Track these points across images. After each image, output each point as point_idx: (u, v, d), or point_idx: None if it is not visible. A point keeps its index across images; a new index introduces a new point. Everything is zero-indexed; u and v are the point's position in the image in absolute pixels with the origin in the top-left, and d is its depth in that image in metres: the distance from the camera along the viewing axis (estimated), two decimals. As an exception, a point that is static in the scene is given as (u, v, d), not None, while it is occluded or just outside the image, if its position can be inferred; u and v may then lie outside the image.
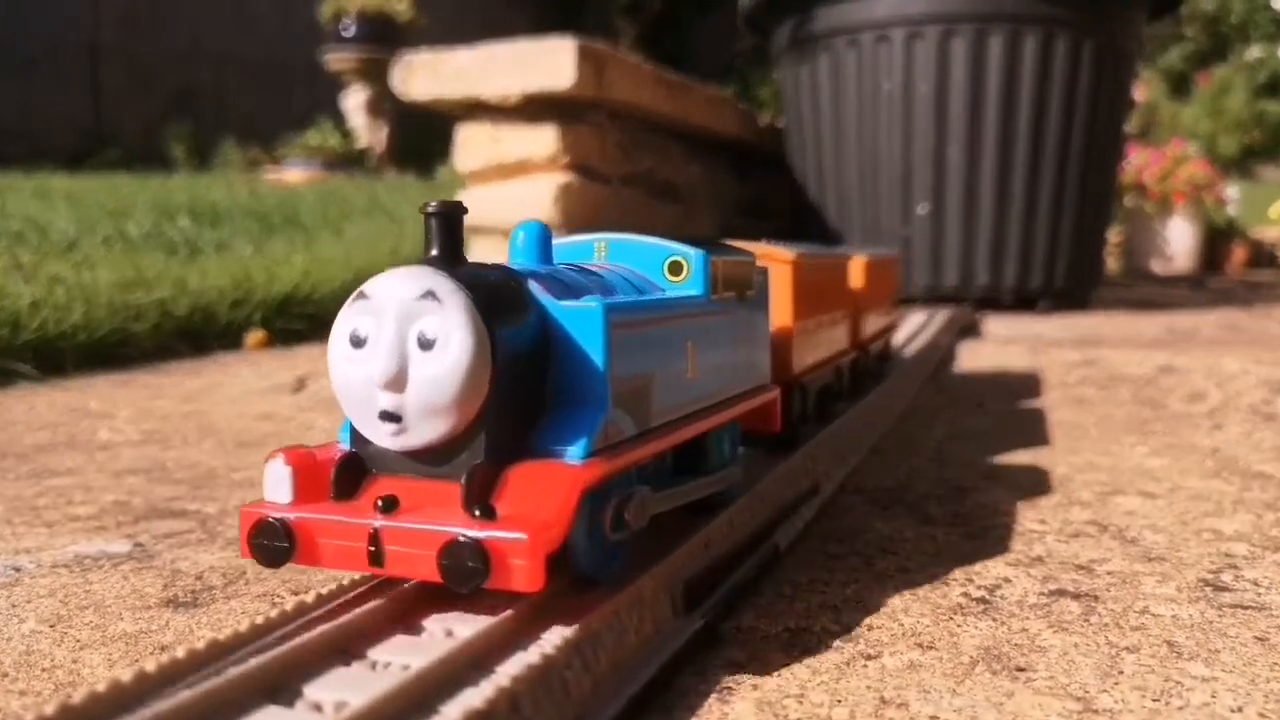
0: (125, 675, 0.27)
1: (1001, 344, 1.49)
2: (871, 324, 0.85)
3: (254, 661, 0.29)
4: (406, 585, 0.34)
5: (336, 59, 4.17)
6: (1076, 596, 0.44)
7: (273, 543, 0.33)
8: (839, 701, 0.34)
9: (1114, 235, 3.46)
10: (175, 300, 1.36)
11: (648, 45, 4.62)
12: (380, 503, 0.32)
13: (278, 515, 0.33)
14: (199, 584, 0.46)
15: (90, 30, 4.49)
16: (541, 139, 1.57)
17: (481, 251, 1.53)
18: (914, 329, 1.32)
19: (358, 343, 0.33)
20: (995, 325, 1.75)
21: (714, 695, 0.35)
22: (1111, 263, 3.44)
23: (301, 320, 1.50)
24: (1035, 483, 0.66)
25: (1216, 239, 3.97)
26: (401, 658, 0.31)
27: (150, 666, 0.28)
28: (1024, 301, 1.97)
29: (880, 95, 1.92)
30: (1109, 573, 0.48)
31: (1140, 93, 3.90)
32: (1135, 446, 0.77)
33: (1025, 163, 1.89)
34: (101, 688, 0.26)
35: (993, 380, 1.14)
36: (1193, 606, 0.43)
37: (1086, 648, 0.39)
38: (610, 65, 1.58)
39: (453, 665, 0.30)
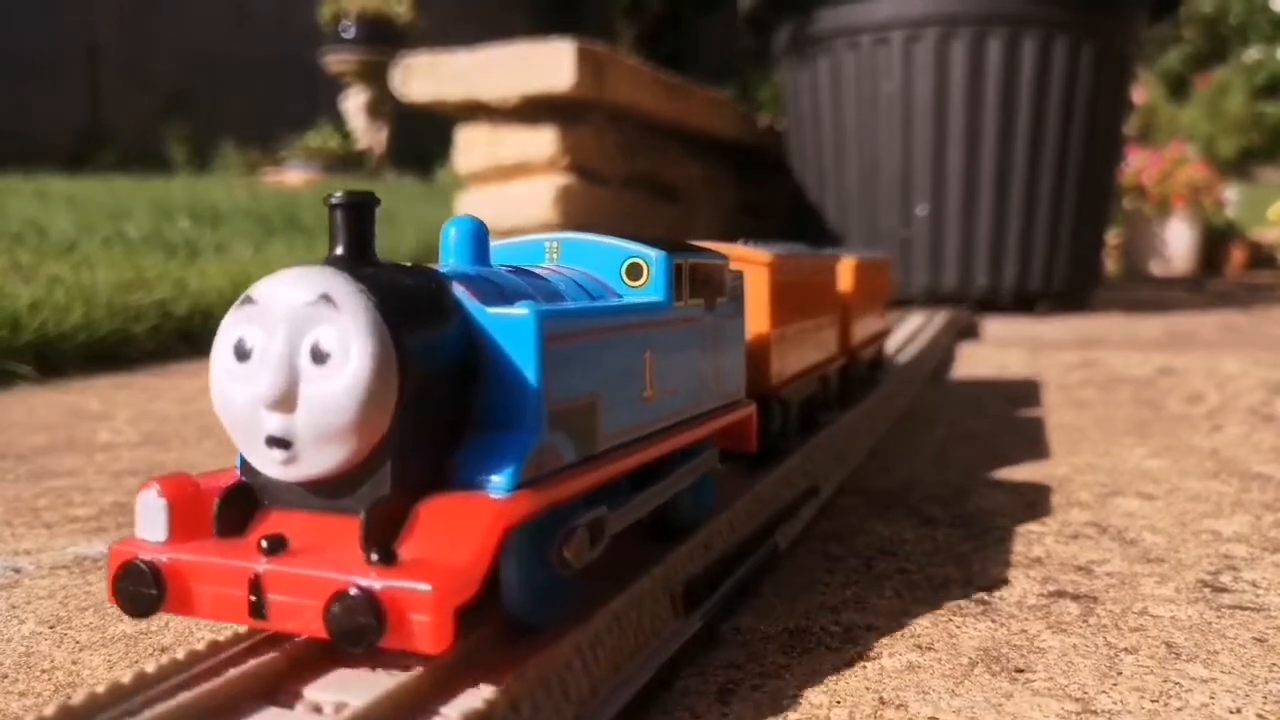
0: (125, 677, 0.27)
1: (1000, 345, 1.49)
2: (862, 329, 0.82)
3: (254, 662, 0.29)
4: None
5: (336, 60, 4.17)
6: (1076, 597, 0.44)
7: (138, 589, 0.28)
8: (838, 702, 0.34)
9: (1113, 237, 3.47)
10: (175, 301, 1.36)
11: (647, 46, 4.62)
12: (265, 543, 0.27)
13: (147, 557, 0.28)
14: (199, 585, 0.46)
15: (88, 31, 4.49)
16: (541, 140, 1.57)
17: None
18: (912, 330, 1.32)
19: (243, 355, 0.28)
20: (994, 327, 1.75)
21: (714, 695, 0.35)
22: (1110, 264, 3.45)
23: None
24: (1034, 484, 0.66)
25: (1215, 241, 3.97)
26: (401, 657, 0.30)
27: (150, 668, 0.28)
28: (1023, 303, 1.97)
29: (880, 97, 1.93)
30: (1108, 574, 0.48)
31: (1139, 95, 3.91)
32: (1134, 448, 0.77)
33: (1024, 164, 1.89)
34: (101, 689, 0.26)
35: (992, 382, 1.14)
36: (1191, 607, 0.43)
37: (1085, 649, 0.39)
38: (610, 67, 1.58)
39: (452, 665, 0.30)
